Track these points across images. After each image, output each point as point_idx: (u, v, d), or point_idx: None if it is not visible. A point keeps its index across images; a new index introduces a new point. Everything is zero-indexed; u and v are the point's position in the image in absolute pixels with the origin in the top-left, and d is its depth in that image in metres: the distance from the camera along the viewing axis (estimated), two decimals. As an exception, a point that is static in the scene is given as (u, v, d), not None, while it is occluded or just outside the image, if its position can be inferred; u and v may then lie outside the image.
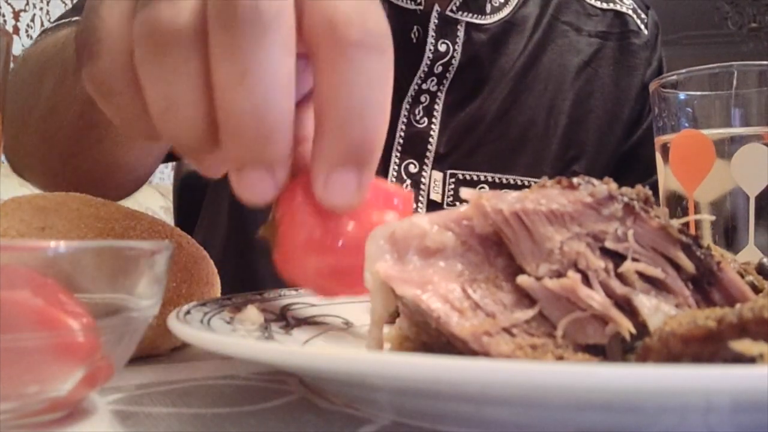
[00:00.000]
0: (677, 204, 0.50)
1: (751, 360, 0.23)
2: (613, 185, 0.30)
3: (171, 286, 0.42)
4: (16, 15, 2.81)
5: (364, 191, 0.33)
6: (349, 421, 0.29)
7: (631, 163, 0.91)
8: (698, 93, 0.51)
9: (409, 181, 0.84)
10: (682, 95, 0.51)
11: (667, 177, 0.51)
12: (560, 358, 0.28)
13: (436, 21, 0.83)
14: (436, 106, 0.84)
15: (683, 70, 0.52)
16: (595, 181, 0.30)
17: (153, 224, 0.44)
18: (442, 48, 0.83)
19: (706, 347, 0.24)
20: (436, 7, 0.83)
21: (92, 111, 0.56)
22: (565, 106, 0.89)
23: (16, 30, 2.79)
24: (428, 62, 0.83)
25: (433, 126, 0.84)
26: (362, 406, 0.30)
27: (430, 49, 0.83)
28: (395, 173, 0.84)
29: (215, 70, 0.30)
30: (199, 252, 0.46)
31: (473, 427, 0.26)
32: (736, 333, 0.24)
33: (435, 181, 0.84)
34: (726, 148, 0.48)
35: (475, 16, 0.86)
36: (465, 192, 0.31)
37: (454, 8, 0.84)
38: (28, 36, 2.84)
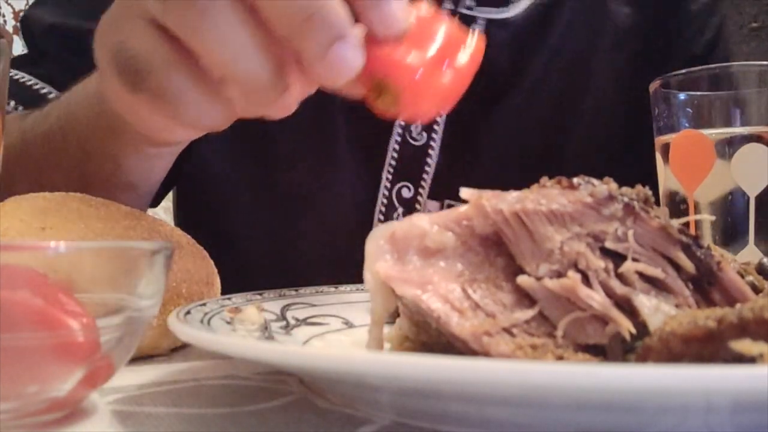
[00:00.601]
0: (677, 204, 0.50)
1: (751, 360, 0.23)
2: (613, 185, 0.30)
3: (171, 286, 0.42)
4: (16, 15, 2.81)
5: (406, 15, 0.37)
6: (349, 421, 0.29)
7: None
8: (698, 93, 0.51)
9: (401, 209, 0.73)
10: (682, 95, 0.51)
11: (667, 177, 0.51)
12: (560, 358, 0.28)
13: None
14: (437, 119, 0.72)
15: (683, 70, 0.52)
16: (595, 181, 0.30)
17: (153, 224, 0.44)
18: None
19: (706, 347, 0.24)
20: (446, 3, 0.69)
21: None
22: (585, 106, 0.74)
23: (16, 30, 2.80)
24: None
25: (432, 143, 0.72)
26: (362, 406, 0.30)
27: None
28: (385, 199, 0.73)
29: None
30: (199, 252, 0.46)
31: (473, 427, 0.26)
32: (736, 333, 0.24)
33: (430, 211, 0.69)
34: (726, 148, 0.48)
35: (496, 9, 0.70)
36: (465, 192, 0.31)
37: (472, 3, 0.70)
38: (28, 36, 2.84)
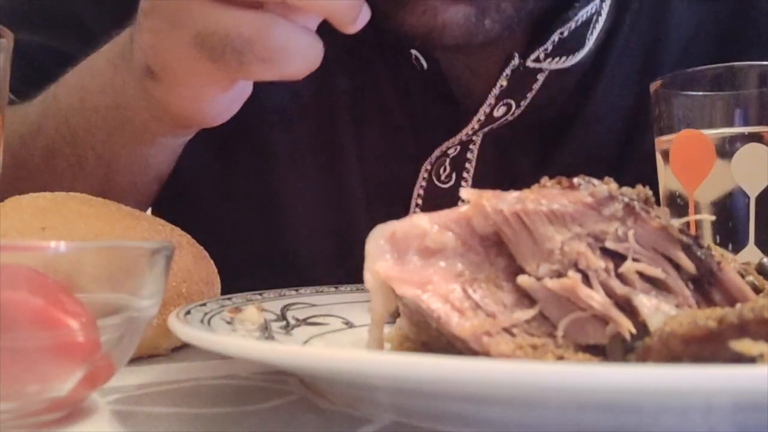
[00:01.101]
0: (677, 204, 0.50)
1: (751, 360, 0.23)
2: (614, 185, 0.30)
3: (171, 286, 0.42)
4: (16, 15, 2.81)
5: None
6: (349, 421, 0.29)
7: None
8: (698, 93, 0.51)
9: None
10: (682, 95, 0.51)
11: (667, 177, 0.51)
12: (560, 358, 0.28)
13: (508, 74, 0.58)
14: (468, 156, 0.63)
15: (683, 70, 0.52)
16: (595, 181, 0.30)
17: (153, 224, 0.44)
18: (499, 112, 0.60)
19: (706, 347, 0.24)
20: (515, 58, 0.58)
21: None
22: (646, 136, 0.59)
23: (16, 30, 2.79)
24: (470, 131, 0.61)
25: (463, 184, 0.63)
26: (362, 406, 0.30)
27: (479, 119, 0.60)
28: None
29: None
30: (199, 252, 0.46)
31: (473, 427, 0.26)
32: (736, 333, 0.24)
33: None
34: (726, 148, 0.48)
35: (563, 59, 0.60)
36: (465, 192, 0.31)
37: (542, 55, 0.59)
38: (28, 36, 2.84)
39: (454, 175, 0.63)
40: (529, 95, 0.61)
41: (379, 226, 0.31)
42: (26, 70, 0.62)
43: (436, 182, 0.63)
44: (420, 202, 0.64)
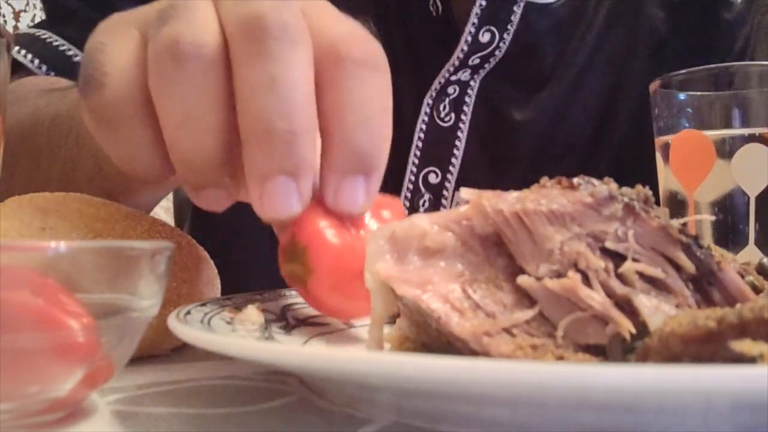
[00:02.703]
0: (677, 204, 0.50)
1: (751, 360, 0.23)
2: (614, 185, 0.30)
3: (171, 287, 0.42)
4: (17, 15, 2.81)
5: (372, 197, 0.34)
6: (349, 421, 0.29)
7: None
8: (698, 93, 0.51)
9: (427, 196, 0.70)
10: (682, 95, 0.51)
11: (667, 177, 0.51)
12: (560, 358, 0.28)
13: (483, 3, 0.67)
14: (467, 99, 0.69)
15: (683, 71, 0.52)
16: (595, 181, 0.30)
17: (153, 224, 0.44)
18: (484, 38, 0.67)
19: (706, 347, 0.24)
20: None
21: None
22: (626, 107, 0.73)
23: (16, 30, 2.80)
24: (461, 54, 0.67)
25: (461, 125, 0.69)
26: (362, 406, 0.30)
27: (466, 39, 0.67)
28: (411, 185, 0.70)
29: (242, 77, 0.32)
30: (199, 252, 0.46)
31: (473, 427, 0.26)
32: (736, 333, 0.24)
33: (459, 199, 0.68)
34: (726, 148, 0.48)
35: None
36: (465, 192, 0.31)
37: None
38: (28, 36, 2.84)
39: (453, 115, 0.69)
40: (510, 27, 0.67)
41: (379, 226, 0.31)
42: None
43: (437, 119, 0.69)
44: (422, 136, 0.69)
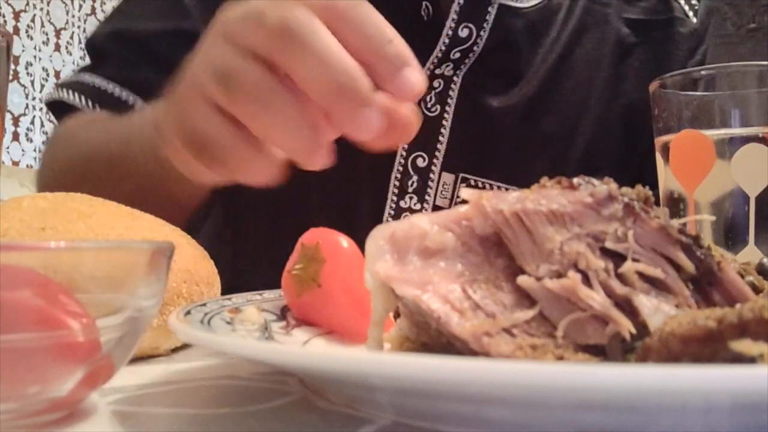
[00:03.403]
0: (677, 204, 0.50)
1: (751, 360, 0.23)
2: (613, 185, 0.30)
3: (171, 287, 0.42)
4: (17, 15, 2.81)
5: (421, 76, 0.41)
6: (349, 421, 0.29)
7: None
8: (698, 93, 0.51)
9: (415, 177, 0.76)
10: (682, 95, 0.51)
11: (667, 177, 0.51)
12: (560, 358, 0.28)
13: (461, 1, 0.75)
14: (450, 93, 0.76)
15: (683, 70, 0.52)
16: (595, 181, 0.30)
17: (153, 224, 0.44)
18: (463, 33, 0.75)
19: (706, 347, 0.24)
20: None
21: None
22: (595, 107, 0.81)
23: (17, 30, 2.80)
24: (443, 47, 0.75)
25: (446, 115, 0.76)
26: (362, 406, 0.30)
27: (447, 34, 0.74)
28: (401, 167, 0.76)
29: (302, 74, 0.39)
30: (199, 252, 0.46)
31: (473, 427, 0.26)
32: (736, 333, 0.24)
33: (444, 184, 0.76)
34: (726, 148, 0.48)
35: None
36: (465, 192, 0.31)
37: None
38: (28, 36, 2.84)
39: (438, 106, 0.76)
40: (486, 25, 0.75)
41: (378, 226, 0.31)
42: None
43: (424, 110, 0.76)
44: None
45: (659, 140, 0.53)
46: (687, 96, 0.51)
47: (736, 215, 0.48)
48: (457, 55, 0.75)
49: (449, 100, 0.77)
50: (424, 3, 0.75)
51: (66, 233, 0.39)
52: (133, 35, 0.77)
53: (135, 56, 0.76)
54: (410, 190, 0.77)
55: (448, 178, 0.77)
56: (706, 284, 0.30)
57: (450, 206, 0.76)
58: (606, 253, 0.29)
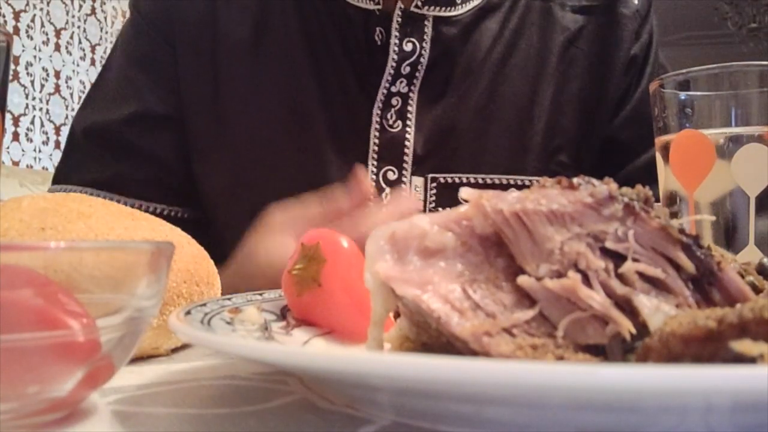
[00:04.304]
0: (677, 204, 0.50)
1: (751, 360, 0.23)
2: (614, 185, 0.30)
3: (171, 287, 0.42)
4: (17, 15, 2.81)
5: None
6: (349, 421, 0.29)
7: (613, 148, 0.85)
8: (698, 93, 0.51)
9: (388, 189, 0.80)
10: (682, 95, 0.51)
11: (667, 177, 0.51)
12: (560, 358, 0.28)
13: (399, 20, 0.81)
14: (409, 108, 0.81)
15: (683, 70, 0.52)
16: (595, 181, 0.30)
17: (153, 224, 0.44)
18: (407, 47, 0.80)
19: (706, 347, 0.24)
20: (399, 4, 0.81)
21: None
22: (547, 92, 0.84)
23: (17, 30, 2.79)
24: (394, 63, 0.80)
25: (408, 129, 0.81)
26: (362, 406, 0.30)
27: (394, 50, 0.80)
28: (373, 182, 0.80)
29: None
30: (199, 252, 0.46)
31: (473, 427, 0.26)
32: (736, 333, 0.24)
33: (416, 187, 0.80)
34: (726, 148, 0.48)
35: (444, 9, 0.82)
36: (465, 192, 0.31)
37: (420, 3, 0.81)
38: (28, 36, 2.85)
39: (399, 122, 0.81)
40: (426, 38, 0.81)
41: (378, 227, 0.31)
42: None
43: (387, 127, 0.81)
44: (377, 141, 0.81)
45: (659, 140, 0.53)
46: (687, 96, 0.51)
47: (736, 215, 0.48)
48: (408, 69, 0.81)
49: (409, 115, 0.81)
50: (377, 29, 0.81)
51: (66, 233, 0.39)
52: (99, 128, 0.84)
53: (103, 151, 0.83)
54: (385, 202, 0.80)
55: (418, 181, 0.81)
56: (706, 284, 0.30)
57: (425, 204, 0.80)
58: (606, 253, 0.29)
